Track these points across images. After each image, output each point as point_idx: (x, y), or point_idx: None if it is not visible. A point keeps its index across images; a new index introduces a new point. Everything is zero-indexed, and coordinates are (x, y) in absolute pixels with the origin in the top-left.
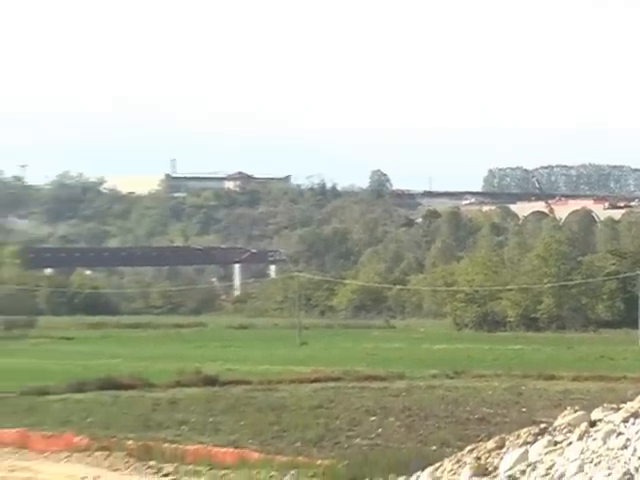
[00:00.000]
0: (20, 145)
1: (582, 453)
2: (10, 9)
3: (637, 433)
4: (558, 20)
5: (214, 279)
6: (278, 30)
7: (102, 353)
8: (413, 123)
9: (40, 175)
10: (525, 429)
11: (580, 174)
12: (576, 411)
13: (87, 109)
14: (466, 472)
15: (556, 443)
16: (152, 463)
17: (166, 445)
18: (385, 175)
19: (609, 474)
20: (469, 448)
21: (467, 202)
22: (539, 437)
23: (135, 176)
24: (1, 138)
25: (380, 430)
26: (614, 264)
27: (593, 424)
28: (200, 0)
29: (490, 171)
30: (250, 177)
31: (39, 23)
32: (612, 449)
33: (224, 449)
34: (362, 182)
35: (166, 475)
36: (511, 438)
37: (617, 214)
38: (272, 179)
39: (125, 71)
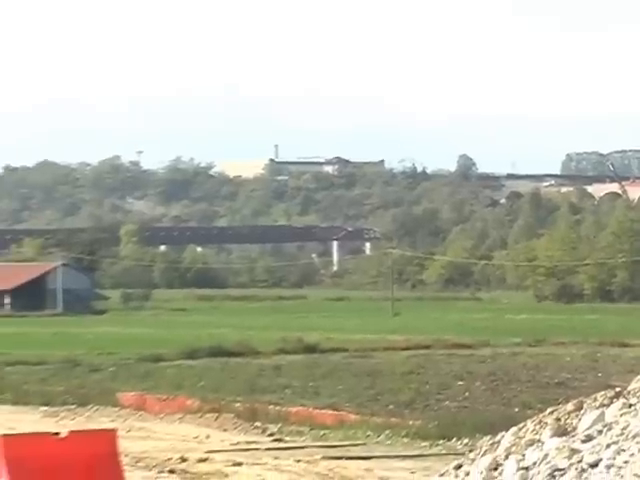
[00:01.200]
0: (136, 132)
1: None
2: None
3: None
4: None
5: (314, 255)
6: (378, 18)
7: (212, 323)
8: (497, 111)
9: (155, 160)
10: (601, 392)
11: None
12: None
13: (198, 98)
14: (547, 432)
15: (630, 405)
16: (258, 424)
17: (270, 407)
18: (471, 159)
19: None
20: (549, 410)
21: (547, 184)
22: (614, 400)
23: (241, 161)
24: (120, 125)
25: (467, 393)
26: None
27: None
28: None
29: (568, 155)
30: (347, 161)
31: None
32: None
33: (324, 411)
34: (450, 166)
35: (271, 435)
36: (588, 401)
37: None
38: (367, 163)
39: (234, 60)
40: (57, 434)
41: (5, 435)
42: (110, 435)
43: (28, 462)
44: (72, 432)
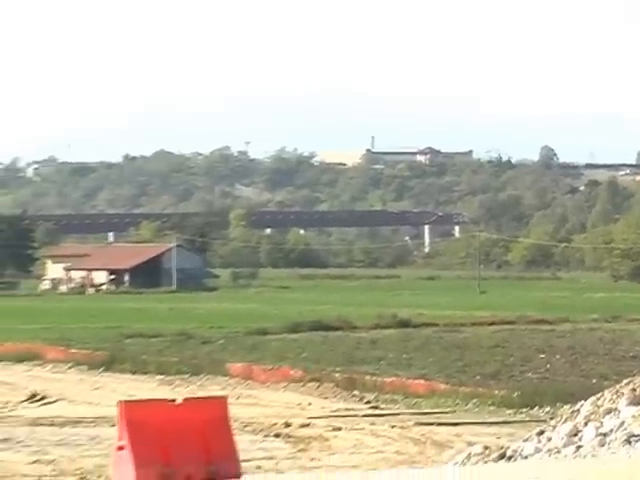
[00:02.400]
0: (245, 125)
1: None
2: None
3: None
4: None
5: (407, 238)
6: (464, 16)
7: (313, 300)
8: (577, 108)
9: (261, 150)
10: None
11: None
12: None
13: (301, 95)
14: (623, 401)
15: None
16: (355, 392)
17: (367, 377)
18: (552, 150)
19: None
20: (625, 381)
21: (623, 173)
22: None
23: (341, 151)
24: (230, 119)
25: (548, 366)
26: None
27: None
28: None
29: None
30: (438, 152)
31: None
32: None
33: (416, 381)
34: (533, 156)
35: (367, 402)
36: None
37: None
38: (456, 153)
39: (330, 57)
40: (173, 401)
41: (126, 401)
42: (221, 402)
43: (147, 426)
44: (186, 399)
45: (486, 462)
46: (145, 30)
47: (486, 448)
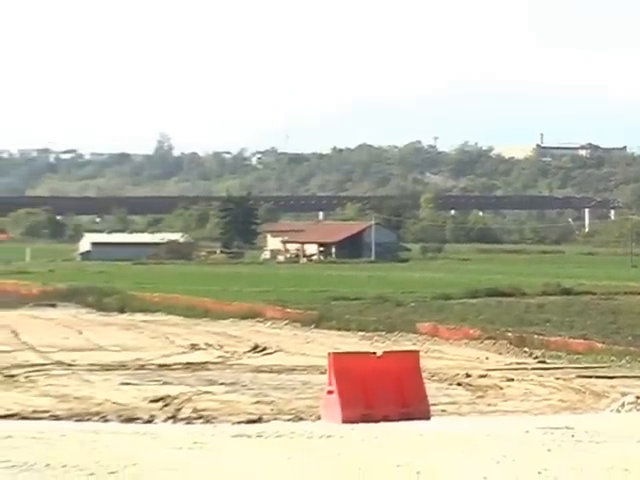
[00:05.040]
0: (434, 122)
1: None
2: None
3: None
4: None
5: (570, 219)
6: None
7: (489, 270)
8: None
9: (447, 144)
10: None
11: None
12: None
13: (483, 94)
14: None
15: None
16: (525, 349)
17: (535, 337)
18: None
19: None
20: None
21: None
22: None
23: (514, 145)
24: (420, 117)
25: None
26: None
27: None
28: None
29: None
30: (597, 147)
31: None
32: None
33: (577, 340)
34: None
35: (535, 358)
36: None
37: None
38: (613, 148)
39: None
40: (374, 353)
41: (334, 353)
42: (414, 355)
43: (351, 374)
44: (385, 352)
45: (638, 410)
46: (353, 27)
47: (638, 398)
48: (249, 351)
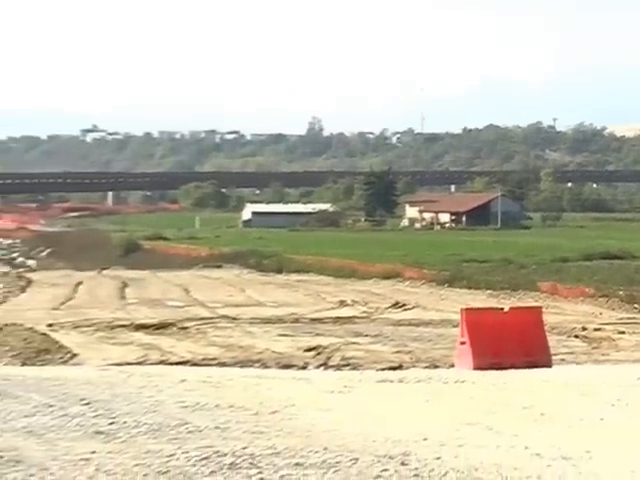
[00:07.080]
0: (554, 104)
1: None
2: None
3: None
4: None
5: None
6: None
7: (602, 236)
8: None
9: (565, 124)
10: None
11: None
12: None
13: (592, 76)
14: None
15: None
16: (636, 305)
17: None
18: None
19: None
20: None
21: None
22: None
23: (626, 125)
24: (542, 99)
25: None
26: None
27: None
28: None
29: None
30: None
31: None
32: None
33: None
34: None
35: None
36: None
37: None
38: None
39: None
40: (501, 309)
41: (466, 308)
42: (537, 310)
43: (482, 327)
44: (511, 307)
45: None
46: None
47: None
48: (390, 307)
